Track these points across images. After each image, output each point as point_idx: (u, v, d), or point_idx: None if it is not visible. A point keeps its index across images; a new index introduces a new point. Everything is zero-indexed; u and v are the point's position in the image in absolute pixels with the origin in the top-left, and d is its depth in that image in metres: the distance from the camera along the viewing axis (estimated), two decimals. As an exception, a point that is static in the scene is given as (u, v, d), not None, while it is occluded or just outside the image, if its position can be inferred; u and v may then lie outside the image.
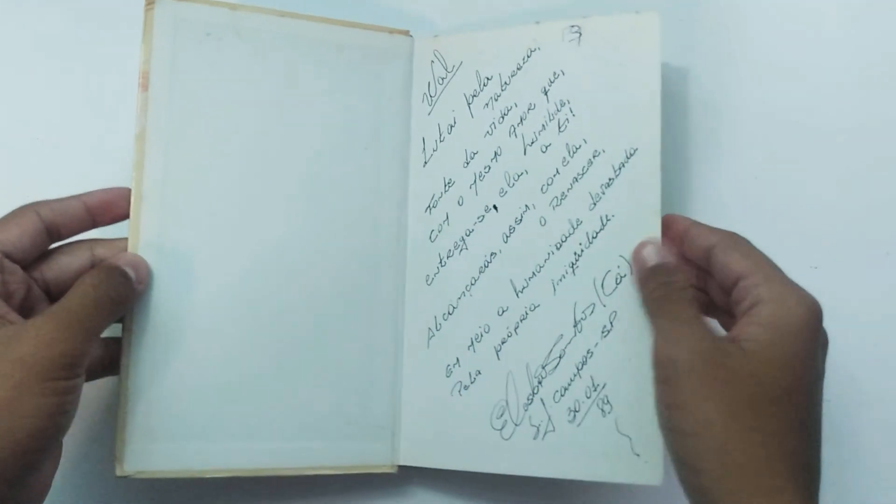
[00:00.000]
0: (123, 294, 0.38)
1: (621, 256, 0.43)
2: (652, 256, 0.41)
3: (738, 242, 0.39)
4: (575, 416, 0.43)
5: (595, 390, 0.43)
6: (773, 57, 0.50)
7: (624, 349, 0.42)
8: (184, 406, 0.40)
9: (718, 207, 0.49)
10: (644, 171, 0.43)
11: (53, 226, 0.39)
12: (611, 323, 0.43)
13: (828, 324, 0.44)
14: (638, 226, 0.43)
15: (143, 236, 0.40)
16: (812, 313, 0.37)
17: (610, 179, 0.44)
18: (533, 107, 0.45)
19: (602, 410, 0.42)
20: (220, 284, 0.41)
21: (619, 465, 0.42)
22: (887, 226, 0.48)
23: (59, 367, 0.34)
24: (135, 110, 0.41)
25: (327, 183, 0.44)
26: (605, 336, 0.43)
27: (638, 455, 0.41)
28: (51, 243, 0.39)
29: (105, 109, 0.47)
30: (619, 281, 0.43)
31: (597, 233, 0.44)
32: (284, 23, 0.44)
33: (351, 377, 0.43)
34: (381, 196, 0.45)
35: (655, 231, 0.42)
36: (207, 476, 0.40)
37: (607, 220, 0.44)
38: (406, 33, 0.46)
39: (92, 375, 0.40)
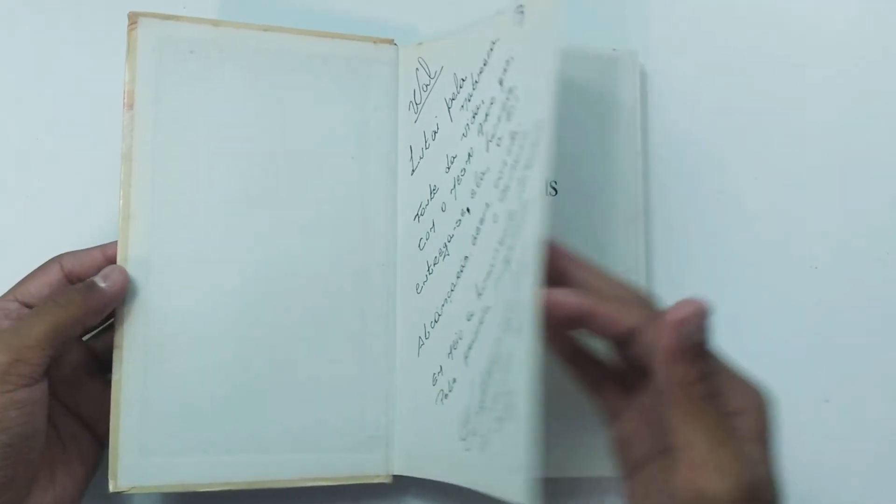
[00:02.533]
0: (81, 302, 0.38)
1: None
2: (695, 331, 0.32)
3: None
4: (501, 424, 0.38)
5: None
6: (771, 53, 0.50)
7: None
8: (176, 420, 0.40)
9: (719, 207, 0.48)
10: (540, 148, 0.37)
11: (74, 275, 0.40)
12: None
13: (828, 323, 0.45)
14: (528, 213, 0.37)
15: (131, 254, 0.41)
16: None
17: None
18: (493, 101, 0.41)
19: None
20: (210, 299, 0.42)
21: None
22: (888, 225, 0.48)
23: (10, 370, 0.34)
24: (121, 130, 0.41)
25: (316, 194, 0.44)
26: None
27: None
28: None
29: (105, 108, 0.47)
30: None
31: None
32: (268, 37, 0.44)
33: (344, 387, 0.43)
34: (370, 206, 0.45)
35: (536, 218, 0.36)
36: (201, 490, 0.40)
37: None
38: (391, 42, 0.46)
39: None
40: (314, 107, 0.44)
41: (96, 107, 0.48)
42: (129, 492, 0.39)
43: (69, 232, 0.45)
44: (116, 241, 0.41)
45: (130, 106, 0.42)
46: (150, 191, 0.41)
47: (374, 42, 0.46)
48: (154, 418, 0.40)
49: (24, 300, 0.39)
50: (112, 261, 0.41)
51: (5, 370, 0.34)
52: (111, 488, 0.39)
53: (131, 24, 0.42)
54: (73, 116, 0.49)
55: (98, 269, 0.40)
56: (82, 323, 0.38)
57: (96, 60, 0.49)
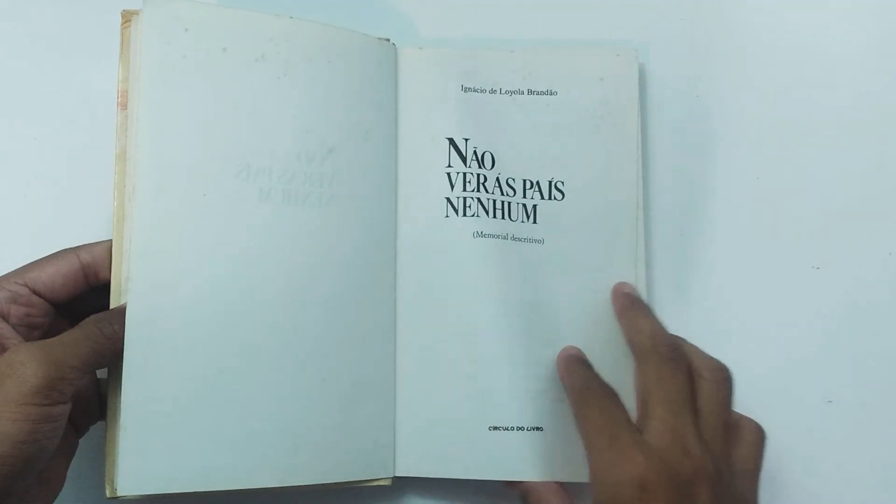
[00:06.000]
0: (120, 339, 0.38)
1: None
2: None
3: (643, 360, 0.38)
4: None
5: None
6: (771, 53, 0.50)
7: None
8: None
9: (720, 207, 0.48)
10: None
11: (90, 268, 0.40)
12: None
13: (830, 324, 0.44)
14: None
15: (125, 255, 0.40)
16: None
17: None
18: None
19: None
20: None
21: None
22: (889, 225, 0.47)
23: (33, 391, 0.33)
24: (114, 130, 0.41)
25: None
26: None
27: None
28: (87, 285, 0.41)
29: (105, 107, 0.46)
30: None
31: None
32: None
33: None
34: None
35: None
36: (203, 492, 0.39)
37: None
38: (388, 41, 0.46)
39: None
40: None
41: (95, 105, 0.47)
42: (128, 497, 0.38)
43: (67, 231, 0.44)
44: None
45: (124, 105, 0.41)
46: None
47: (378, 39, 0.45)
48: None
49: (35, 287, 0.39)
50: None
51: (51, 385, 0.34)
52: (108, 494, 0.39)
53: (124, 22, 0.41)
54: (71, 116, 0.49)
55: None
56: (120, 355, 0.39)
57: (94, 59, 0.49)
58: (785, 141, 0.48)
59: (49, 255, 0.41)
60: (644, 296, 0.44)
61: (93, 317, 0.38)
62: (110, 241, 0.41)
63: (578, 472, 0.42)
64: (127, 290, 0.39)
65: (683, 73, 0.49)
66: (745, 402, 0.45)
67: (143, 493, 0.39)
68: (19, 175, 0.48)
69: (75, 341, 0.36)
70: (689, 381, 0.37)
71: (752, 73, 0.49)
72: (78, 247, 0.41)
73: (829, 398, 0.45)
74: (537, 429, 0.43)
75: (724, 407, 0.37)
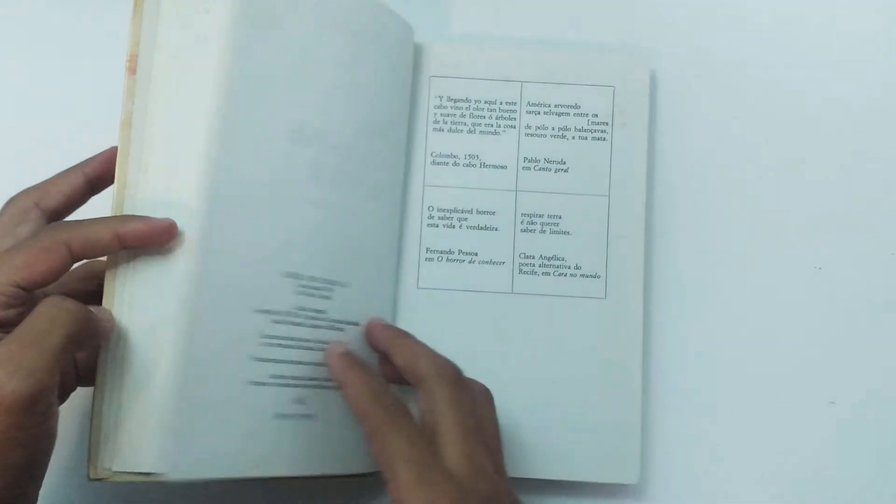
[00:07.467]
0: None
1: None
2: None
3: (429, 385, 0.36)
4: None
5: None
6: (773, 55, 0.51)
7: None
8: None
9: (720, 208, 0.49)
10: None
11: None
12: None
13: (832, 324, 0.45)
14: None
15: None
16: None
17: None
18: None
19: None
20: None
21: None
22: (891, 225, 0.48)
23: (20, 411, 0.30)
24: (121, 95, 0.39)
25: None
26: None
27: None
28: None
29: (107, 104, 0.44)
30: None
31: None
32: None
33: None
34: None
35: None
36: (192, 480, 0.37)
37: None
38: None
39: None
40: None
41: (96, 106, 0.46)
42: (111, 479, 0.35)
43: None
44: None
45: (133, 71, 0.39)
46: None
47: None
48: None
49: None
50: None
51: (51, 393, 0.32)
52: (91, 475, 0.35)
53: (137, -19, 0.40)
54: (72, 116, 0.48)
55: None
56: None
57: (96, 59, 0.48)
58: (787, 141, 0.49)
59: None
60: (644, 295, 0.45)
61: (51, 298, 0.33)
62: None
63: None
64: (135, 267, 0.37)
65: (689, 74, 0.50)
66: (745, 402, 0.46)
67: (124, 477, 0.36)
68: (20, 176, 0.44)
69: (40, 334, 0.32)
70: (475, 404, 0.37)
71: (753, 74, 0.50)
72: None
73: (832, 399, 0.45)
74: None
75: (497, 424, 0.38)
